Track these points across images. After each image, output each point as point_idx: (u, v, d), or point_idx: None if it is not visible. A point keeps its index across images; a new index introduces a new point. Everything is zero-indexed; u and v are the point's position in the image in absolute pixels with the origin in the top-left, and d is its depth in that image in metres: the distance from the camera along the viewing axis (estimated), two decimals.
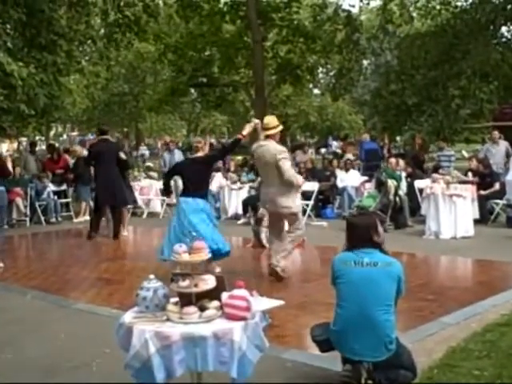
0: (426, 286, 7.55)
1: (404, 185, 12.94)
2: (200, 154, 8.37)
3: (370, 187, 13.57)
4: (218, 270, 8.12)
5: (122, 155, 12.38)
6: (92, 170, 13.03)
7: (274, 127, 8.08)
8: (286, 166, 7.83)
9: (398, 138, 32.03)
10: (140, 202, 15.86)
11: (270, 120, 8.17)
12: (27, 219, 14.30)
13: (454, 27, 20.99)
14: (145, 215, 15.51)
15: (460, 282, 8.10)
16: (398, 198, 12.39)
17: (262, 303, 4.26)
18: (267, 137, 8.05)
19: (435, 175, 13.03)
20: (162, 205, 15.71)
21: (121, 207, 12.36)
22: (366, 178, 14.79)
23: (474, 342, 5.33)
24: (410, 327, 5.82)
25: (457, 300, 6.90)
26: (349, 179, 14.80)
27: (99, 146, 12.40)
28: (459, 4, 22.52)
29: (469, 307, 6.53)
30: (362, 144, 18.01)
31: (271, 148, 7.94)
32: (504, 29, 21.83)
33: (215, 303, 4.03)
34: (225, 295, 4.03)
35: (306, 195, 13.38)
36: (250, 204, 13.52)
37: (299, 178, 8.14)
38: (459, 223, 11.17)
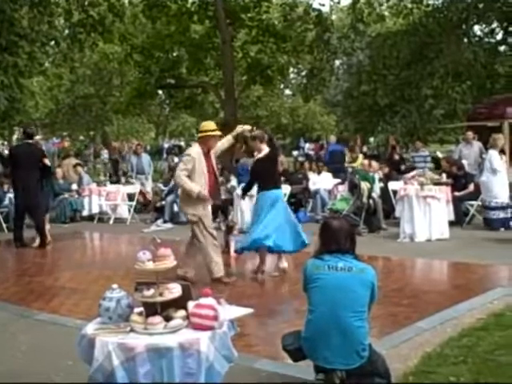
0: (400, 291, 7.43)
1: (377, 187, 12.76)
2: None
3: (343, 190, 13.33)
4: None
5: (47, 161, 11.92)
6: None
7: (201, 131, 8.16)
8: (178, 169, 8.06)
9: (371, 139, 31.97)
10: (106, 208, 15.40)
11: (204, 124, 8.32)
12: None
13: (426, 26, 20.97)
14: (111, 221, 15.09)
15: (435, 286, 7.97)
16: (371, 201, 12.17)
17: (230, 312, 4.17)
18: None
19: (407, 176, 12.86)
20: (129, 210, 15.28)
21: (41, 215, 11.86)
22: (338, 180, 14.53)
23: (450, 348, 5.22)
24: (384, 333, 5.70)
25: (432, 304, 6.77)
26: (321, 182, 14.58)
27: (21, 149, 11.91)
28: (431, 2, 22.54)
29: (444, 311, 6.40)
30: (327, 146, 17.91)
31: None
32: (476, 27, 21.87)
33: (181, 313, 3.91)
34: (191, 304, 3.95)
35: None
36: (219, 209, 13.21)
37: (194, 188, 7.85)
38: (434, 225, 11.06)
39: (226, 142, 8.49)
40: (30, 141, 11.91)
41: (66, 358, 5.10)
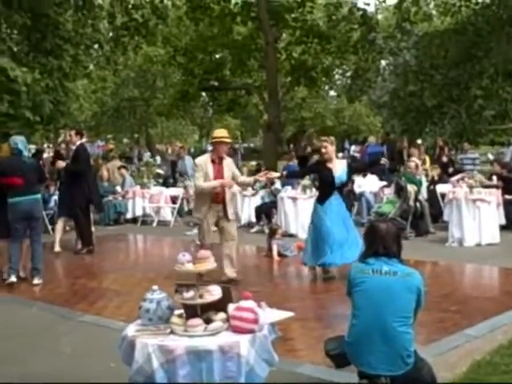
0: (448, 297, 7.28)
1: (424, 190, 12.45)
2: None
3: (389, 192, 13.07)
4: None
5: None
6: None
7: (212, 137, 8.60)
8: (194, 178, 8.52)
9: (418, 141, 31.35)
10: (149, 210, 15.40)
11: (216, 131, 8.69)
12: None
13: (475, 24, 20.47)
14: (155, 224, 15.11)
15: (485, 292, 7.79)
16: (418, 204, 11.88)
17: (270, 315, 4.21)
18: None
19: (454, 179, 12.56)
20: (172, 213, 15.24)
21: None
22: (384, 183, 14.21)
23: (500, 356, 5.11)
24: (431, 340, 5.58)
25: (481, 311, 6.62)
26: (367, 184, 14.27)
27: (87, 150, 11.70)
28: (480, 0, 21.87)
29: (494, 318, 6.26)
30: (366, 147, 17.58)
31: None
32: None
33: (221, 315, 3.93)
34: (231, 307, 3.95)
35: None
36: (263, 212, 13.23)
37: (212, 183, 8.08)
38: (484, 229, 10.76)
39: (248, 179, 9.31)
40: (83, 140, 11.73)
41: (109, 359, 5.10)
